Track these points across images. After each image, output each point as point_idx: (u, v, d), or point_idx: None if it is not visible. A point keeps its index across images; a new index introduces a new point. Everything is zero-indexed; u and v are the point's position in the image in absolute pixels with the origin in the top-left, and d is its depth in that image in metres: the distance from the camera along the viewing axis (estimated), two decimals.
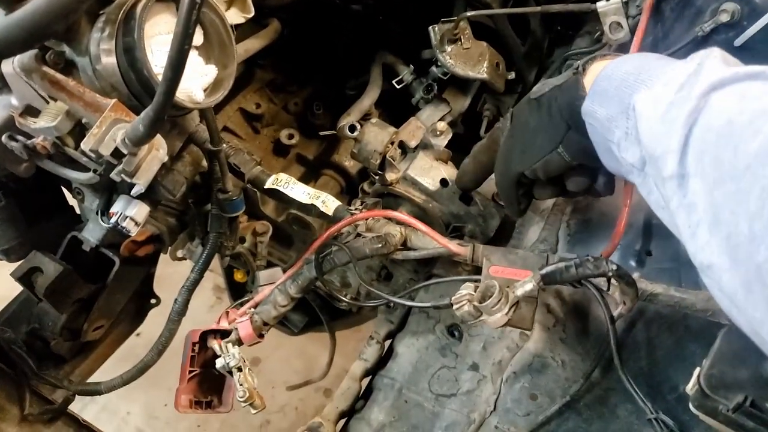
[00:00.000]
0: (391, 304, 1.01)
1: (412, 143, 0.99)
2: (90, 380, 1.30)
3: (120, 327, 1.42)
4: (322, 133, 1.24)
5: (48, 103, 0.71)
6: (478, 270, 0.82)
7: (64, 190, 1.32)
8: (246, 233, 1.17)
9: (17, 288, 1.28)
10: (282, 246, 1.26)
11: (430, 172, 0.97)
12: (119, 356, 1.44)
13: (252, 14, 0.98)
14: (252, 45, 1.06)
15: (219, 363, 0.87)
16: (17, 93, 0.73)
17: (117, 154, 0.65)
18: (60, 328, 1.20)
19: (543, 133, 0.75)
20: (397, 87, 1.17)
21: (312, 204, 0.98)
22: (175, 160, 0.90)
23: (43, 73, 0.67)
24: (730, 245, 0.47)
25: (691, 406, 0.64)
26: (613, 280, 0.72)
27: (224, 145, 0.93)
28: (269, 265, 1.25)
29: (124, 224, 0.82)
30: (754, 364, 0.58)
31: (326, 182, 1.27)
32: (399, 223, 0.92)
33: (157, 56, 0.71)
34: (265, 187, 1.00)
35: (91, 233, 1.09)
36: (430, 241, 0.88)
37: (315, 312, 1.29)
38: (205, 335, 0.92)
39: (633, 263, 0.86)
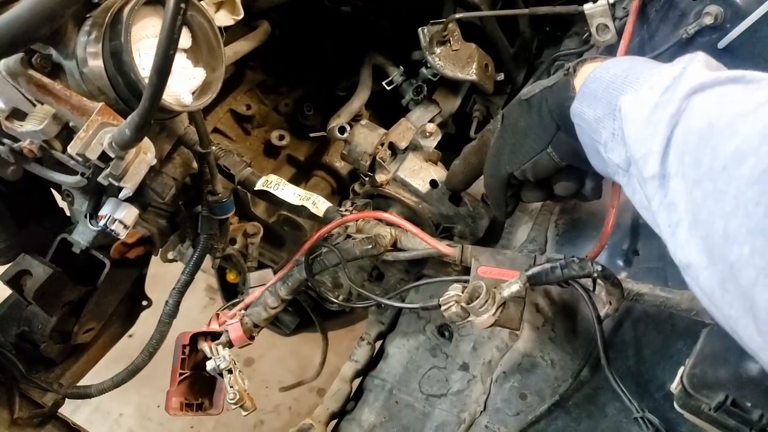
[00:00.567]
0: (382, 305, 1.01)
1: (402, 144, 0.99)
2: (81, 383, 1.30)
3: (111, 329, 1.42)
4: (312, 135, 1.24)
5: (35, 106, 0.71)
6: (467, 270, 0.83)
7: (54, 193, 1.32)
8: (237, 234, 1.17)
9: (6, 291, 1.28)
10: (273, 247, 1.26)
11: (419, 173, 0.98)
12: (112, 358, 1.44)
13: (241, 16, 0.98)
14: (242, 47, 1.06)
15: (209, 365, 0.87)
16: (3, 96, 0.73)
17: (104, 157, 0.65)
18: (50, 331, 1.19)
19: (533, 134, 0.76)
20: (387, 88, 1.17)
21: (302, 205, 0.98)
22: (164, 163, 0.90)
23: (30, 76, 0.67)
24: (707, 244, 0.47)
25: (675, 405, 0.65)
26: (599, 281, 0.73)
27: (214, 147, 0.93)
28: (261, 266, 1.25)
29: (113, 227, 0.82)
30: (735, 364, 0.59)
31: (317, 183, 1.27)
32: (389, 224, 0.92)
33: (144, 59, 0.71)
34: (256, 188, 1.00)
35: (81, 235, 1.09)
36: (419, 242, 0.89)
37: (307, 313, 1.29)
38: (196, 337, 0.92)
39: (620, 263, 0.87)
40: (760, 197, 0.43)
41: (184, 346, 0.92)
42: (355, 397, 0.99)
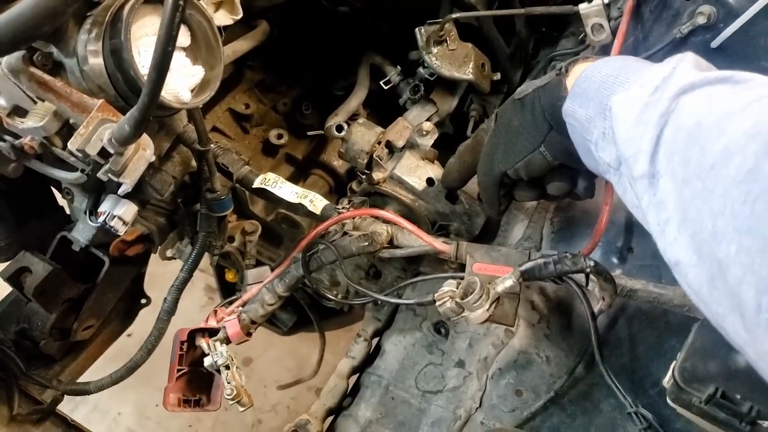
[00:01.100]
0: (379, 302, 1.02)
1: (399, 143, 1.00)
2: (80, 380, 1.30)
3: (110, 327, 1.43)
4: (309, 133, 1.25)
5: (35, 103, 0.72)
6: (462, 268, 0.84)
7: (54, 191, 1.33)
8: (235, 232, 1.18)
9: (5, 289, 1.29)
10: (271, 245, 1.27)
11: (416, 171, 0.99)
12: (110, 356, 1.44)
13: (240, 16, 0.99)
14: (241, 46, 1.07)
15: (207, 361, 0.88)
16: (5, 93, 0.74)
17: (104, 153, 0.65)
18: (49, 328, 1.20)
19: (526, 133, 0.77)
20: (385, 87, 1.18)
21: (300, 203, 0.99)
22: (163, 160, 0.90)
23: (31, 74, 0.68)
24: (696, 242, 0.48)
25: (668, 400, 0.66)
26: (592, 276, 0.74)
27: (212, 145, 0.94)
28: (258, 264, 1.26)
29: (112, 223, 0.82)
30: (725, 357, 0.60)
31: (315, 182, 1.28)
32: (385, 221, 0.93)
33: (144, 57, 0.72)
34: (254, 186, 1.01)
35: (81, 233, 1.09)
36: (416, 240, 0.90)
37: (305, 311, 1.29)
38: (194, 334, 0.93)
39: (615, 260, 0.88)
40: (746, 196, 0.44)
41: (182, 343, 0.92)
42: (352, 393, 0.99)
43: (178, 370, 0.93)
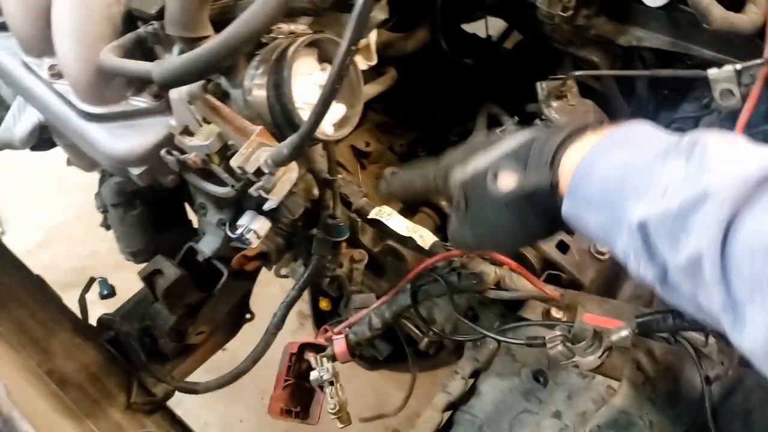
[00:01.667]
0: (479, 343, 1.05)
1: None
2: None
3: (217, 336, 1.54)
4: None
5: (201, 125, 0.83)
6: (570, 318, 0.85)
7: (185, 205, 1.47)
8: (344, 260, 1.25)
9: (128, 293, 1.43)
10: (374, 276, 1.33)
11: None
12: (204, 368, 1.54)
13: (375, 62, 1.09)
14: (370, 90, 1.16)
15: (313, 375, 0.94)
16: (177, 115, 0.85)
17: (258, 172, 0.74)
18: (168, 329, 1.32)
19: (521, 233, 0.68)
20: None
21: (410, 237, 1.05)
22: (295, 185, 0.99)
23: (206, 99, 0.78)
24: None
25: None
26: (710, 337, 0.73)
27: (339, 176, 1.02)
28: (360, 292, 1.32)
29: (247, 236, 0.92)
30: None
31: (422, 219, 1.34)
32: (494, 262, 0.96)
33: (296, 94, 0.81)
34: (369, 217, 1.08)
35: (207, 245, 1.21)
36: (524, 284, 0.92)
37: (399, 344, 1.34)
38: (303, 348, 0.99)
39: None
40: None
41: (291, 355, 0.99)
42: (444, 428, 1.02)
43: (285, 381, 0.99)
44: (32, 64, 0.95)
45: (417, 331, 1.24)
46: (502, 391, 0.98)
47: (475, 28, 1.52)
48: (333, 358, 0.95)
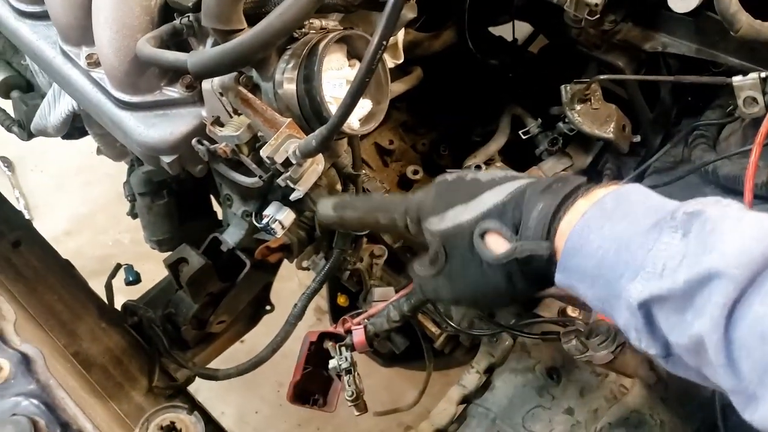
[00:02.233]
0: (494, 339, 1.06)
1: None
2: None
3: (237, 326, 1.57)
4: (448, 171, 1.33)
5: (231, 117, 0.86)
6: (585, 317, 0.86)
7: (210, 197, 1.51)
8: (364, 254, 1.27)
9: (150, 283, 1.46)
10: (393, 271, 1.35)
11: None
12: (222, 359, 1.57)
13: (401, 60, 1.11)
14: (397, 88, 1.19)
15: (332, 363, 0.96)
16: (209, 106, 0.88)
17: (286, 163, 0.77)
18: (191, 316, 1.35)
19: (507, 294, 0.66)
20: (523, 137, 1.25)
21: None
22: (319, 179, 1.02)
23: (238, 91, 0.81)
24: None
25: None
26: None
27: (362, 171, 1.04)
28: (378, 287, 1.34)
29: (273, 226, 0.94)
30: None
31: None
32: None
33: (325, 88, 0.84)
34: None
35: (231, 236, 1.24)
36: None
37: (415, 339, 1.35)
38: (323, 337, 1.01)
39: None
40: None
41: (311, 343, 1.01)
42: (458, 421, 1.03)
43: (304, 368, 1.02)
44: (71, 52, 0.98)
45: (434, 327, 1.25)
46: (516, 387, 1.00)
47: (502, 31, 1.54)
48: (351, 348, 0.98)
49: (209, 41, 0.85)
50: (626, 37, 1.16)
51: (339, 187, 1.07)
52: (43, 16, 1.02)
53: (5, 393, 0.76)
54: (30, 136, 1.43)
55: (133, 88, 0.92)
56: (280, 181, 0.79)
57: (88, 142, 1.47)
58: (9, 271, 1.35)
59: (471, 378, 1.07)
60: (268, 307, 1.62)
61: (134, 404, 1.27)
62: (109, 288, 1.38)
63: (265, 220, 0.95)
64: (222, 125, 0.85)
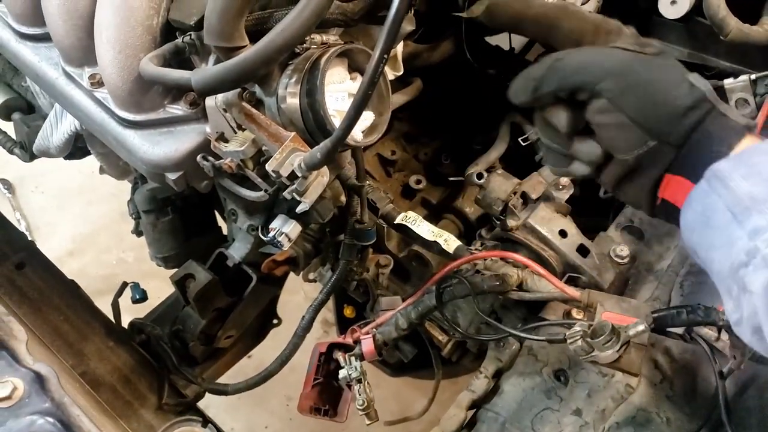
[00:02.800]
0: (501, 344, 1.07)
1: (534, 195, 1.07)
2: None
3: (245, 340, 1.57)
4: (451, 179, 1.35)
5: (236, 132, 0.87)
6: (590, 318, 0.87)
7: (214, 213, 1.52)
8: (370, 265, 1.29)
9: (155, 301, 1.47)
10: (399, 280, 1.36)
11: (549, 223, 1.04)
12: (229, 375, 1.58)
13: (401, 72, 1.13)
14: (397, 99, 1.20)
15: (342, 374, 0.97)
16: (213, 122, 0.90)
17: (292, 176, 0.78)
18: (199, 332, 1.36)
19: (662, 108, 0.64)
20: (523, 144, 1.26)
21: (435, 241, 1.09)
22: (324, 191, 1.03)
23: (242, 107, 0.83)
24: None
25: None
26: (723, 332, 0.75)
27: (366, 182, 1.06)
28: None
29: (280, 239, 0.95)
30: None
31: (446, 225, 1.37)
32: (516, 265, 0.99)
33: (328, 101, 0.85)
34: (395, 222, 1.11)
35: (237, 251, 1.25)
36: (545, 285, 0.95)
37: (423, 348, 1.36)
38: (332, 348, 1.02)
39: None
40: None
41: (321, 354, 1.02)
42: (468, 426, 1.04)
43: (315, 379, 1.03)
44: (73, 73, 0.99)
45: (441, 335, 1.26)
46: (524, 390, 1.01)
47: (499, 41, 1.56)
48: (361, 357, 0.99)
49: (211, 59, 0.87)
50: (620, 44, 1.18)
51: (344, 198, 1.09)
52: (44, 38, 1.03)
53: (20, 412, 0.77)
54: (32, 157, 1.44)
55: (137, 107, 0.93)
56: (285, 194, 0.80)
57: (89, 163, 1.49)
58: (14, 293, 1.35)
59: (480, 383, 1.08)
60: (275, 321, 1.63)
61: (144, 422, 1.27)
62: (115, 306, 1.38)
63: (271, 234, 0.96)
64: (227, 141, 0.87)
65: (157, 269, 1.49)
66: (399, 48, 1.08)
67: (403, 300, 1.08)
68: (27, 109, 1.45)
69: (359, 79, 0.89)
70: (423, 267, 1.27)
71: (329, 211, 0.99)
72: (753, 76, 0.97)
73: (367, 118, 0.90)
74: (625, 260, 1.03)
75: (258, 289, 1.33)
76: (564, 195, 1.04)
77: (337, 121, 0.82)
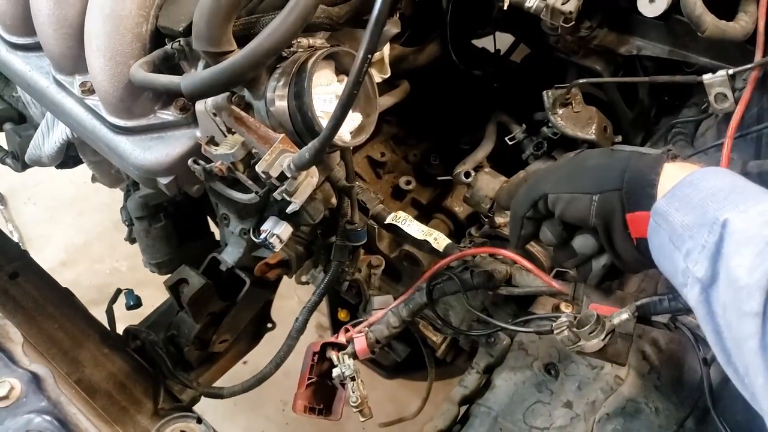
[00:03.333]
0: (492, 339, 1.09)
1: None
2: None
3: (239, 345, 1.58)
4: (439, 179, 1.37)
5: (226, 136, 0.89)
6: (578, 312, 0.89)
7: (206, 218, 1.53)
8: (362, 265, 1.30)
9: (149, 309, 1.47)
10: (391, 280, 1.38)
11: None
12: (225, 380, 1.58)
13: (388, 75, 1.15)
14: (385, 101, 1.22)
15: (335, 372, 0.99)
16: (203, 127, 0.91)
17: (281, 177, 0.80)
18: (193, 337, 1.37)
19: (591, 175, 0.75)
20: (509, 143, 1.28)
21: (425, 240, 1.10)
22: (315, 192, 1.05)
23: (231, 110, 0.84)
24: None
25: None
26: None
27: (356, 183, 1.07)
28: None
29: (271, 240, 0.97)
30: None
31: (437, 225, 1.39)
32: (504, 261, 1.01)
33: (316, 103, 0.87)
34: (386, 222, 1.13)
35: (229, 255, 1.26)
36: (533, 280, 0.96)
37: (416, 348, 1.38)
38: (325, 347, 1.04)
39: None
40: None
41: (314, 354, 1.03)
42: (461, 421, 1.05)
43: (309, 379, 1.04)
44: (64, 81, 1.00)
45: (435, 336, 1.28)
46: (515, 384, 1.02)
47: (484, 44, 1.59)
48: (354, 356, 1.00)
49: (201, 64, 0.88)
50: (602, 42, 1.20)
51: (334, 200, 1.10)
52: (34, 48, 1.04)
53: (18, 411, 0.78)
54: (24, 166, 1.45)
55: (128, 113, 0.94)
56: (276, 194, 0.81)
57: (81, 173, 1.49)
58: (8, 302, 1.35)
59: (472, 378, 1.09)
60: (269, 325, 1.64)
61: (141, 428, 1.27)
62: (110, 313, 1.39)
63: (263, 235, 0.97)
64: (217, 144, 0.88)
65: (151, 278, 1.50)
66: (386, 51, 1.10)
67: (395, 299, 1.09)
68: (18, 119, 1.45)
69: (346, 80, 0.91)
70: (414, 266, 1.28)
71: (319, 211, 1.00)
72: (731, 71, 1.00)
73: (354, 119, 0.91)
74: None
75: (251, 293, 1.35)
76: None
77: (325, 122, 0.83)
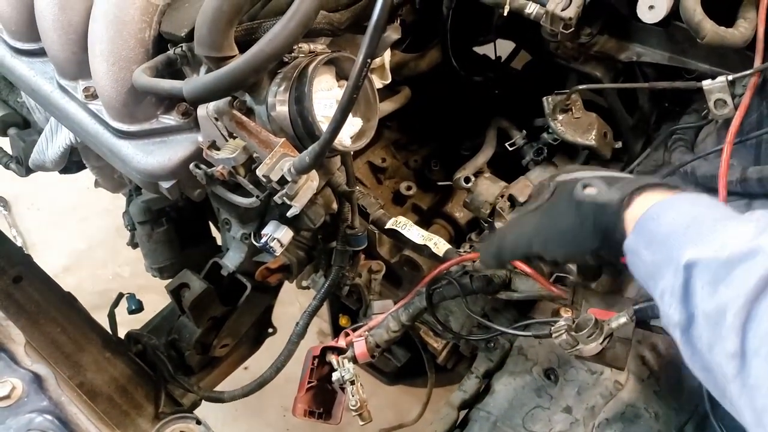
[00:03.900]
0: (491, 344, 1.09)
1: (521, 198, 1.09)
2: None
3: (240, 349, 1.59)
4: (440, 184, 1.38)
5: (227, 140, 0.90)
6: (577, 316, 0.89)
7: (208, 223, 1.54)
8: (362, 270, 1.30)
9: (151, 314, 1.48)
10: (392, 285, 1.38)
11: None
12: (226, 385, 1.58)
13: (389, 81, 1.15)
14: (386, 107, 1.23)
15: (335, 376, 0.99)
16: (205, 131, 0.92)
17: (282, 181, 0.80)
18: (194, 341, 1.37)
19: (573, 239, 0.76)
20: (510, 149, 1.29)
21: (425, 245, 1.11)
22: (315, 196, 1.05)
23: (233, 114, 0.85)
24: None
25: None
26: None
27: (356, 188, 1.08)
28: None
29: (271, 244, 0.97)
30: None
31: (437, 230, 1.39)
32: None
33: (316, 108, 0.88)
34: (386, 227, 1.13)
35: (231, 260, 1.27)
36: (533, 284, 0.97)
37: (416, 354, 1.38)
38: (325, 351, 1.04)
39: None
40: None
41: (314, 357, 1.04)
42: (460, 426, 1.05)
43: (309, 383, 1.04)
44: (68, 86, 1.01)
45: (436, 342, 1.28)
46: (515, 389, 1.02)
47: (485, 51, 1.60)
48: (354, 360, 1.00)
49: (202, 69, 0.89)
50: (602, 49, 1.21)
51: (335, 206, 1.11)
52: (39, 53, 1.06)
53: (19, 411, 0.79)
54: (28, 171, 1.46)
55: (131, 118, 0.95)
56: (276, 198, 0.82)
57: (83, 178, 1.50)
58: (11, 306, 1.36)
59: (471, 383, 1.09)
60: (270, 330, 1.64)
61: (141, 431, 1.28)
62: (112, 317, 1.40)
63: (263, 239, 0.98)
64: (218, 149, 0.89)
65: (153, 283, 1.50)
66: (386, 57, 1.11)
67: (395, 303, 1.10)
68: (23, 125, 1.47)
69: (347, 85, 0.92)
70: (414, 271, 1.29)
71: (320, 216, 1.01)
72: (730, 77, 1.00)
73: (355, 123, 0.92)
74: None
75: (252, 298, 1.35)
76: None
77: (325, 127, 0.84)
